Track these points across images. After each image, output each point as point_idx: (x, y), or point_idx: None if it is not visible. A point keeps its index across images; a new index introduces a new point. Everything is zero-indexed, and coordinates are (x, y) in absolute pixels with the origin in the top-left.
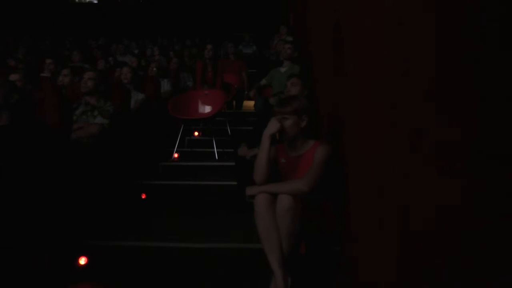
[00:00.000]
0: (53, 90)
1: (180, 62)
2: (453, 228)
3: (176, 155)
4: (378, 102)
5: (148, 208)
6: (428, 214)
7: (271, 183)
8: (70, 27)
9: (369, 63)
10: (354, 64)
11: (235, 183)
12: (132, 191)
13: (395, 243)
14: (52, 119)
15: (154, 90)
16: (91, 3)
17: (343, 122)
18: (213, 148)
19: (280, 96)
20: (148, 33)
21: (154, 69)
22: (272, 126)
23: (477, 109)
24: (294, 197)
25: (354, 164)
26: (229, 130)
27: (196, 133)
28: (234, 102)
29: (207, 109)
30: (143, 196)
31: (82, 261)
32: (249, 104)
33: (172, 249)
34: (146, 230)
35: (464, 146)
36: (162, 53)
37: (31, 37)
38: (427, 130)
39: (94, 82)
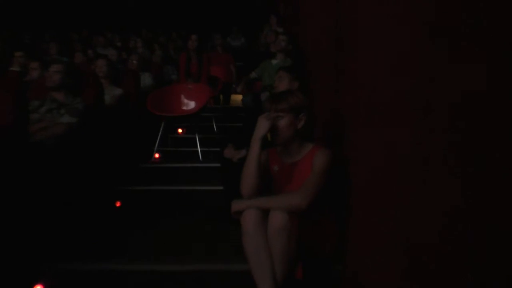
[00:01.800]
0: (7, 85)
1: (165, 54)
2: (460, 242)
3: (157, 155)
4: (384, 102)
5: (122, 219)
6: (435, 228)
7: (261, 196)
8: (51, 19)
9: (376, 57)
10: (358, 56)
11: (221, 188)
12: (105, 199)
13: (402, 261)
14: (2, 119)
15: (133, 85)
16: None
17: (344, 124)
18: (198, 146)
19: (270, 91)
20: (132, 25)
21: (134, 62)
22: (262, 127)
23: None
24: (289, 213)
25: (357, 172)
26: (215, 127)
27: (179, 130)
28: (221, 96)
29: (190, 105)
30: (118, 204)
31: None
32: (238, 98)
33: (146, 272)
34: (119, 248)
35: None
36: (146, 46)
37: (10, 29)
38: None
39: (61, 75)
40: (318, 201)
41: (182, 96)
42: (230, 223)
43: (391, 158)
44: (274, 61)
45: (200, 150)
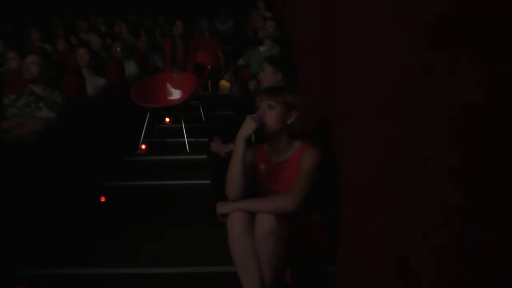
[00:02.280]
0: None
1: (151, 40)
2: (457, 242)
3: (143, 146)
4: (381, 99)
5: (107, 215)
6: (431, 227)
7: (247, 197)
8: (33, 4)
9: (373, 49)
10: (351, 47)
11: (209, 181)
12: (89, 195)
13: (395, 262)
14: None
15: (117, 74)
16: None
17: (334, 120)
18: (185, 137)
19: (257, 78)
20: (117, 9)
21: (118, 49)
22: (247, 127)
23: None
24: (277, 216)
25: (348, 170)
26: (203, 116)
27: (167, 119)
28: (209, 83)
29: (176, 94)
30: (102, 199)
31: None
32: (226, 84)
33: (132, 276)
34: (103, 248)
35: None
36: (132, 31)
37: None
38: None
39: (38, 67)
40: (308, 201)
41: (168, 86)
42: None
43: (387, 159)
44: (261, 48)
45: (188, 141)
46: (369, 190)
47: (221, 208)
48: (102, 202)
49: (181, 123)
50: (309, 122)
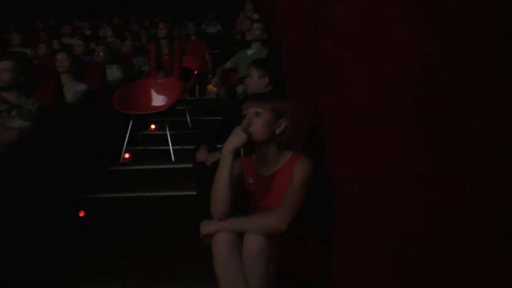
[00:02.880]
0: None
1: (136, 44)
2: (467, 264)
3: (127, 155)
4: (379, 107)
5: (85, 232)
6: (435, 244)
7: (234, 215)
8: (16, 7)
9: (368, 53)
10: (344, 50)
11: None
12: (67, 209)
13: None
14: None
15: (98, 79)
16: None
17: (327, 129)
18: (170, 145)
19: (244, 82)
20: (103, 13)
21: (101, 53)
22: (236, 139)
23: None
24: (267, 236)
25: (343, 181)
26: (189, 122)
27: (152, 126)
28: (196, 88)
29: (161, 100)
30: (81, 214)
31: None
32: (214, 89)
33: None
34: (80, 269)
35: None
36: (117, 35)
37: None
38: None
39: (11, 74)
40: (299, 216)
41: (152, 92)
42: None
43: (387, 172)
44: (249, 51)
45: (173, 149)
46: (366, 203)
47: (205, 228)
48: (81, 217)
49: (172, 130)
50: (298, 129)
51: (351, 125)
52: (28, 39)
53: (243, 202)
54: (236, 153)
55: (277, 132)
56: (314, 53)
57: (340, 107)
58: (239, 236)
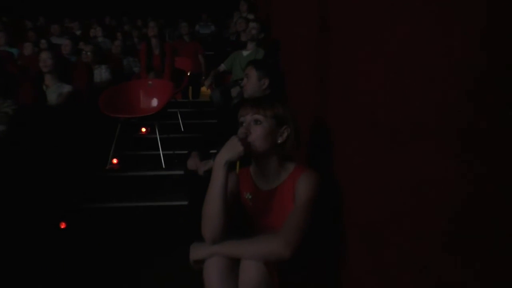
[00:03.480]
0: None
1: (128, 44)
2: None
3: (115, 160)
4: (404, 118)
5: (68, 246)
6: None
7: (228, 238)
8: (5, 6)
9: (385, 53)
10: (356, 51)
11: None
12: (47, 220)
13: None
14: None
15: (84, 80)
16: None
17: (335, 137)
18: (160, 151)
19: (241, 85)
20: (95, 13)
21: (88, 53)
22: (232, 150)
23: None
24: (267, 263)
25: (356, 204)
26: (182, 126)
27: (143, 129)
28: (190, 90)
29: (150, 103)
30: (62, 226)
31: None
32: (208, 91)
33: None
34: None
35: None
36: (109, 35)
37: None
38: None
39: None
40: (304, 240)
41: (141, 94)
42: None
43: (413, 194)
44: (245, 52)
45: (164, 155)
46: (391, 234)
47: (196, 252)
48: (62, 229)
49: (163, 134)
50: (302, 138)
51: (367, 135)
52: (16, 39)
53: (240, 220)
54: (231, 166)
55: (279, 141)
56: (319, 53)
57: (353, 114)
58: (234, 261)
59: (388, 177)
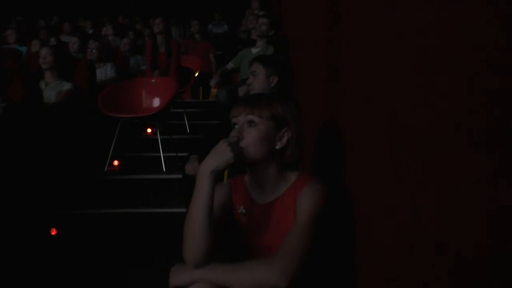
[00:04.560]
0: None
1: (138, 44)
2: None
3: (116, 162)
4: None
5: (55, 256)
6: None
7: (216, 262)
8: (20, 6)
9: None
10: (374, 45)
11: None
12: (38, 227)
13: None
14: None
15: (86, 78)
16: None
17: (346, 143)
18: (161, 153)
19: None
20: (108, 12)
21: (94, 50)
22: (218, 156)
23: None
24: None
25: (366, 218)
26: (187, 127)
27: (149, 130)
28: (200, 89)
29: (153, 102)
30: (53, 233)
31: None
32: None
33: None
34: None
35: None
36: (121, 34)
37: None
38: None
39: None
40: (305, 267)
41: (143, 92)
42: None
43: (443, 210)
44: (254, 50)
45: (167, 157)
46: (405, 255)
47: (177, 277)
48: (53, 235)
49: (167, 135)
50: (306, 143)
51: (387, 139)
52: (29, 38)
53: (230, 239)
54: (218, 176)
55: (277, 147)
56: (332, 47)
57: (370, 115)
58: None
59: (413, 190)
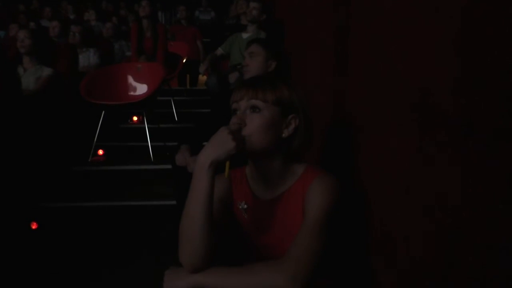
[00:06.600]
0: None
1: (122, 29)
2: None
3: (100, 152)
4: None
5: (36, 251)
6: None
7: (215, 265)
8: None
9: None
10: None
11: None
12: (18, 221)
13: None
14: None
15: (67, 63)
16: None
17: (357, 132)
18: (149, 142)
19: (240, 70)
20: None
21: (76, 34)
22: (220, 146)
23: None
24: None
25: (382, 214)
26: (175, 115)
27: (135, 118)
28: (187, 77)
29: (138, 89)
30: (34, 227)
31: None
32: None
33: None
34: None
35: None
36: (104, 20)
37: None
38: None
39: None
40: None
41: (129, 78)
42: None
43: (469, 204)
44: (244, 35)
45: (155, 146)
46: (427, 257)
47: (172, 282)
48: (33, 229)
49: (154, 123)
50: (315, 132)
51: (409, 128)
52: (7, 22)
53: (231, 239)
54: (218, 168)
55: (284, 135)
56: (340, 26)
57: (389, 100)
58: None
59: (437, 185)
